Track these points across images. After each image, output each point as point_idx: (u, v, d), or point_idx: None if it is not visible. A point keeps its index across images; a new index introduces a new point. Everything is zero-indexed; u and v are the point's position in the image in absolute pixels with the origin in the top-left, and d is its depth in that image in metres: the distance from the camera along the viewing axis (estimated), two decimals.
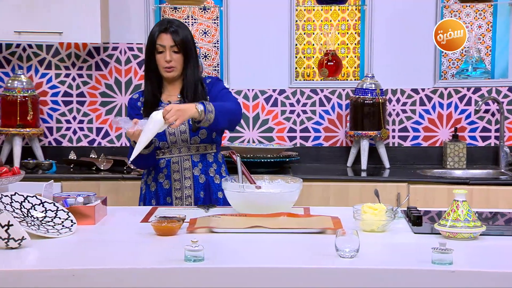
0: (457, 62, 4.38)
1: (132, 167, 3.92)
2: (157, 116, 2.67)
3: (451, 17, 4.34)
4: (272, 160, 3.94)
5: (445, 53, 4.35)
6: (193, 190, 2.95)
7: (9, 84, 4.07)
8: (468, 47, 4.31)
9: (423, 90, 4.31)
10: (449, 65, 4.38)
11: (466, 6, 4.33)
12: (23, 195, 2.41)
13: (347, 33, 4.40)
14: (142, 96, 3.02)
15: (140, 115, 2.97)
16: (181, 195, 2.95)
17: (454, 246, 2.02)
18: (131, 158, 2.71)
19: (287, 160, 4.04)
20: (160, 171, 2.96)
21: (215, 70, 4.38)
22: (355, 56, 4.40)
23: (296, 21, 4.35)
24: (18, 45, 4.25)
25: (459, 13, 4.35)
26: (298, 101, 4.32)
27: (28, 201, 2.41)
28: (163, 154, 2.96)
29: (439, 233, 2.28)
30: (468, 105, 4.32)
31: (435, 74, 4.29)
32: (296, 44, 4.37)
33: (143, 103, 3.00)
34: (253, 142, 4.32)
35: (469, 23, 4.36)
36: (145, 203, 3.00)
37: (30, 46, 4.26)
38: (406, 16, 4.18)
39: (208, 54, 4.38)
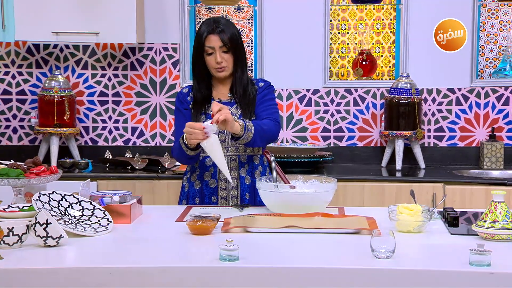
0: (495, 61, 4.31)
1: (166, 167, 3.95)
2: (214, 140, 2.68)
3: (488, 15, 4.28)
4: (306, 160, 3.93)
5: (482, 52, 4.29)
6: (239, 191, 2.94)
7: (46, 84, 4.13)
8: (506, 46, 4.25)
9: (459, 89, 4.26)
10: (486, 64, 4.32)
11: (504, 5, 4.27)
12: (60, 194, 2.45)
13: (382, 32, 4.36)
14: (192, 91, 3.01)
15: (189, 110, 2.97)
16: (227, 195, 2.94)
17: (492, 247, 1.99)
18: (229, 179, 2.73)
19: (321, 160, 4.03)
20: (207, 169, 2.93)
21: (249, 70, 4.38)
22: (390, 56, 4.37)
23: (331, 20, 4.33)
24: (55, 46, 4.32)
25: (496, 12, 4.29)
26: (332, 101, 4.31)
27: (66, 200, 2.44)
28: None
29: (477, 234, 2.25)
30: (506, 104, 4.25)
31: (472, 73, 4.23)
32: (331, 44, 4.35)
33: (192, 97, 2.99)
34: (287, 142, 4.32)
35: (507, 21, 4.30)
36: (189, 201, 2.97)
37: (67, 46, 4.32)
38: (442, 15, 4.13)
39: None
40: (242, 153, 2.95)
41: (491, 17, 4.29)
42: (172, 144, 3.01)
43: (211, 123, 2.67)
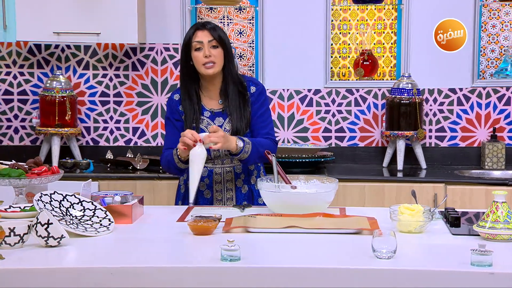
0: (496, 61, 4.31)
1: None
2: (202, 151, 2.68)
3: (490, 16, 4.27)
4: (307, 160, 3.93)
5: (484, 52, 4.29)
6: (235, 202, 2.92)
7: (48, 85, 4.13)
8: (507, 46, 4.24)
9: (460, 89, 4.26)
10: (488, 64, 4.31)
11: (505, 5, 4.26)
12: (62, 194, 2.45)
13: (383, 32, 4.36)
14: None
15: (181, 121, 2.90)
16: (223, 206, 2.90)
17: (494, 247, 1.99)
18: (191, 200, 2.68)
19: (322, 160, 4.03)
20: (201, 179, 2.85)
21: (250, 70, 4.38)
22: (391, 56, 4.36)
23: (332, 20, 4.33)
24: (56, 46, 4.32)
25: (498, 12, 4.29)
26: (333, 101, 4.31)
27: (67, 200, 2.44)
28: (205, 163, 2.80)
29: (478, 235, 2.25)
30: (507, 104, 4.25)
31: (473, 74, 4.23)
32: (332, 44, 4.35)
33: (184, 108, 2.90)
34: (288, 142, 4.32)
35: (508, 22, 4.29)
36: (184, 204, 2.94)
37: (68, 47, 4.32)
38: (443, 15, 4.13)
39: (243, 54, 4.39)
40: (237, 164, 2.92)
41: (493, 17, 4.29)
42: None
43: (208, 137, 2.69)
